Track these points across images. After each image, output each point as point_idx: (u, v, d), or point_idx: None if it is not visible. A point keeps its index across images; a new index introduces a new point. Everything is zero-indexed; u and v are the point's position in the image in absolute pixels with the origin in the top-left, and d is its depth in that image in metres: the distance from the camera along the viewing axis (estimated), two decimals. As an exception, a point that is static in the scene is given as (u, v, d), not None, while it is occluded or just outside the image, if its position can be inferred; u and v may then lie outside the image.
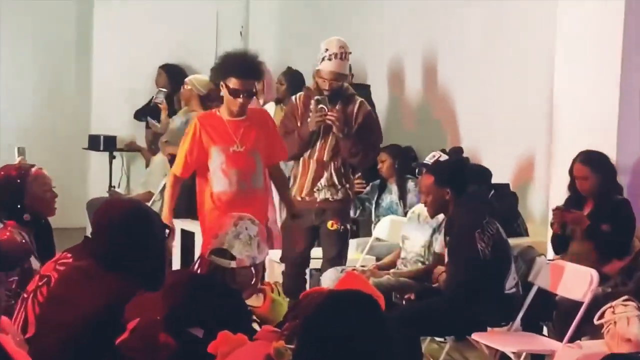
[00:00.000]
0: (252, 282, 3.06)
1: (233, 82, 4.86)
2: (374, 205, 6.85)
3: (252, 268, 3.04)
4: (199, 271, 3.14)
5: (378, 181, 6.90)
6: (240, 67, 4.88)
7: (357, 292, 2.26)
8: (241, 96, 4.85)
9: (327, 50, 5.65)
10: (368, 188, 6.92)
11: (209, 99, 8.23)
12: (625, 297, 4.34)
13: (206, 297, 2.94)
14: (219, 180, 4.93)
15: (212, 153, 4.92)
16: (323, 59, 5.65)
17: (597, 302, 4.50)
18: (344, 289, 2.47)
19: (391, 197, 6.79)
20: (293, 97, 5.98)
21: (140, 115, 8.99)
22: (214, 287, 2.99)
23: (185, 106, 8.09)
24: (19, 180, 4.07)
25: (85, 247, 3.35)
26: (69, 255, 3.41)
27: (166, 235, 3.46)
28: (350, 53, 5.74)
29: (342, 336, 2.08)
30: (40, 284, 3.36)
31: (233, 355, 2.62)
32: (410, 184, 6.66)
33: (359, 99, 5.81)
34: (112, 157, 9.11)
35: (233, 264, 3.00)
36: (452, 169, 5.31)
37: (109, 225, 3.25)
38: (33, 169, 4.21)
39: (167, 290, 2.99)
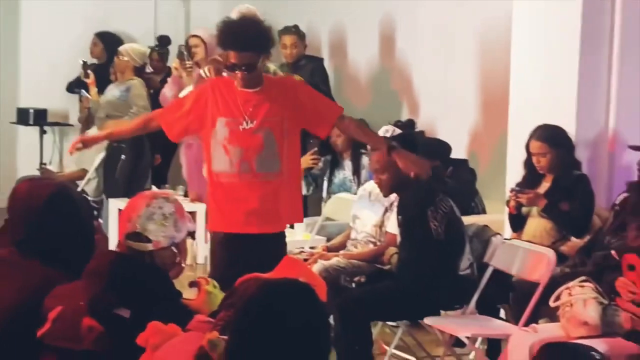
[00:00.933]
0: (176, 261, 3.04)
1: (231, 56, 4.59)
2: (326, 182, 6.87)
3: (173, 247, 3.02)
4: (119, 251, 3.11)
5: (330, 156, 6.91)
6: (235, 39, 4.57)
7: (294, 280, 2.26)
8: (239, 70, 4.53)
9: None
10: (320, 164, 6.92)
11: (144, 69, 8.24)
12: (583, 278, 4.40)
13: (130, 276, 2.92)
14: (220, 158, 4.62)
15: (217, 125, 4.59)
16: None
17: (555, 283, 4.56)
18: (280, 278, 2.47)
19: (344, 173, 6.81)
20: (201, 71, 6.07)
21: (73, 87, 8.92)
22: (138, 266, 2.97)
23: (119, 77, 8.06)
24: None
25: (3, 234, 3.32)
26: None
27: (94, 217, 3.44)
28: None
29: (278, 327, 2.08)
30: None
31: (164, 348, 2.60)
32: (365, 160, 6.63)
33: (278, 72, 6.11)
34: (42, 132, 9.06)
35: (150, 247, 2.97)
36: (410, 142, 5.34)
37: (27, 208, 3.20)
38: None
39: (89, 274, 2.96)
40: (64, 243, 3.16)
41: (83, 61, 8.43)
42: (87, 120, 8.72)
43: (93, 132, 8.39)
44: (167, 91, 7.78)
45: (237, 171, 4.58)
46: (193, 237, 7.16)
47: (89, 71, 8.27)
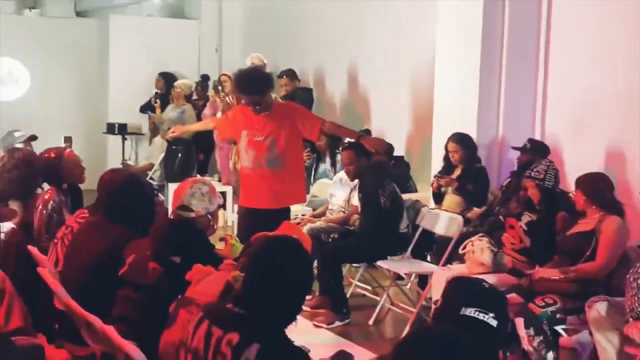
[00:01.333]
0: (211, 224, 3.02)
1: (242, 97, 4.65)
2: (313, 172, 6.85)
3: (208, 215, 3.00)
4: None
5: (315, 154, 6.87)
6: (244, 85, 4.56)
7: (287, 237, 2.26)
8: (251, 107, 4.54)
9: (252, 63, 5.91)
10: (309, 160, 6.92)
11: (192, 97, 8.23)
12: (481, 234, 4.43)
13: (180, 235, 2.90)
14: (243, 157, 4.66)
15: (242, 135, 4.61)
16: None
17: (462, 238, 4.59)
18: (279, 235, 2.47)
19: (325, 165, 6.77)
20: (227, 98, 6.05)
21: (144, 109, 8.88)
22: (185, 228, 2.95)
23: (175, 102, 8.04)
24: (56, 160, 4.00)
25: (96, 206, 3.32)
26: (85, 211, 3.38)
27: (155, 195, 3.43)
28: (266, 64, 5.96)
29: (275, 267, 2.08)
30: (66, 232, 3.32)
31: (203, 282, 2.58)
32: (339, 157, 6.63)
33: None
34: (124, 139, 9.00)
35: (192, 215, 2.95)
36: (364, 147, 5.30)
37: (109, 189, 3.21)
38: (66, 151, 4.14)
39: (153, 233, 2.94)
40: (134, 212, 3.15)
41: (155, 92, 8.42)
42: (153, 131, 8.70)
43: (158, 140, 8.42)
44: (207, 111, 7.74)
45: (252, 166, 4.61)
46: (224, 208, 7.14)
47: (157, 99, 8.28)
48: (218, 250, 3.07)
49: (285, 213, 4.65)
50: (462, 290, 2.05)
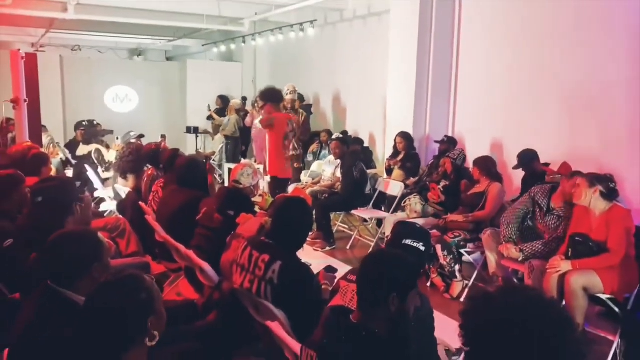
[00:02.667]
0: (253, 192, 3.01)
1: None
2: (318, 155, 6.75)
3: (252, 187, 2.99)
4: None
5: (320, 145, 6.72)
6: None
7: (297, 197, 2.29)
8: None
9: (288, 89, 5.56)
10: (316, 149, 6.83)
11: (240, 110, 8.17)
12: (415, 194, 4.44)
13: (235, 197, 2.90)
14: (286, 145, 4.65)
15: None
16: (286, 94, 5.61)
17: (403, 196, 4.59)
18: (292, 195, 2.49)
19: (325, 151, 6.72)
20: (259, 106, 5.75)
21: (209, 118, 8.79)
22: (238, 193, 2.95)
23: (229, 113, 8.00)
24: (155, 150, 4.00)
25: (172, 178, 3.30)
26: (162, 181, 3.39)
27: (207, 172, 3.42)
28: (297, 91, 5.59)
29: (288, 215, 2.11)
30: (154, 194, 3.34)
31: (247, 224, 2.62)
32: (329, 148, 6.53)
33: (301, 112, 5.72)
34: (196, 137, 8.90)
35: (241, 186, 2.95)
36: (347, 140, 5.30)
37: (180, 167, 3.20)
38: (162, 144, 4.13)
39: (217, 196, 2.95)
40: (197, 180, 3.14)
41: (216, 107, 8.29)
42: (215, 131, 8.65)
43: (218, 137, 8.36)
44: (248, 119, 7.68)
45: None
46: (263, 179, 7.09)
47: (214, 111, 8.18)
48: (257, 203, 3.07)
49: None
50: (403, 228, 2.09)
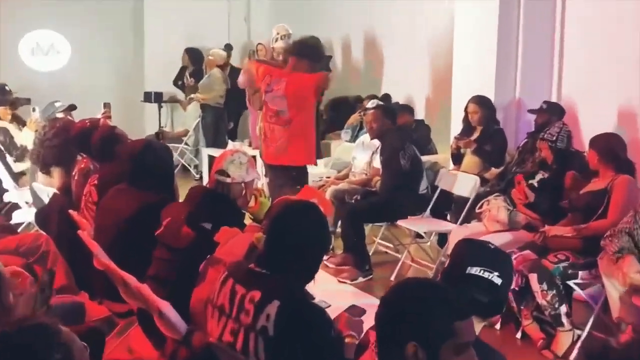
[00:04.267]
0: (243, 194, 3.01)
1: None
2: (355, 135, 6.81)
3: (243, 184, 2.99)
4: (208, 186, 3.11)
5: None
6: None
7: (302, 201, 2.28)
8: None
9: (277, 33, 5.56)
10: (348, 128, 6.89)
11: (225, 65, 8.27)
12: (497, 194, 4.40)
13: (212, 202, 2.92)
14: None
15: None
16: (275, 39, 5.60)
17: (479, 197, 4.56)
18: (296, 200, 2.48)
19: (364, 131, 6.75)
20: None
21: (176, 83, 8.92)
22: (218, 196, 2.97)
23: (208, 68, 8.11)
24: (91, 128, 4.02)
25: (109, 171, 3.36)
26: (96, 177, 3.45)
27: (172, 160, 3.45)
28: (291, 34, 5.53)
29: (291, 230, 2.11)
30: (86, 199, 3.42)
31: (230, 242, 2.61)
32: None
33: None
34: (160, 107, 9.03)
35: (228, 180, 2.95)
36: (392, 109, 5.30)
37: (130, 157, 3.24)
38: (102, 119, 4.17)
39: (187, 199, 2.97)
40: (156, 175, 3.19)
41: (182, 66, 8.38)
42: (189, 98, 8.78)
43: (192, 107, 8.48)
44: (241, 79, 7.70)
45: None
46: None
47: (192, 77, 8.38)
48: (249, 210, 3.08)
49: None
50: (468, 251, 2.07)
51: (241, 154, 3.03)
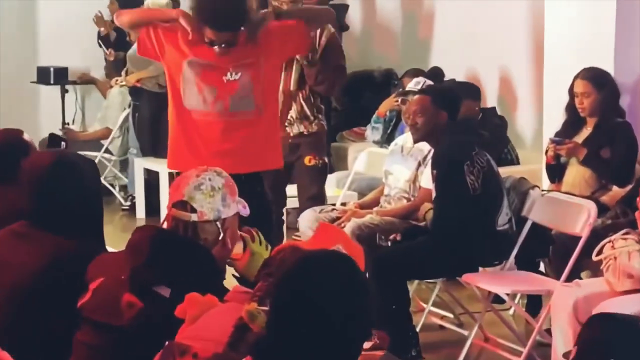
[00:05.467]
0: (220, 239, 3.02)
1: (208, 32, 4.51)
2: (389, 131, 6.86)
3: (217, 223, 3.01)
4: (164, 225, 3.12)
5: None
6: (215, 18, 4.47)
7: (334, 252, 2.27)
8: (216, 47, 4.49)
9: None
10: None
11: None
12: (626, 229, 4.38)
13: (171, 253, 2.92)
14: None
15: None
16: None
17: (596, 235, 4.54)
18: (319, 249, 2.46)
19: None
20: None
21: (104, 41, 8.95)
22: (180, 243, 2.97)
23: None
24: None
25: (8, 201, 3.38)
26: None
27: (100, 184, 3.46)
28: None
29: (318, 301, 2.08)
30: None
31: (202, 319, 2.61)
32: None
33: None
34: (64, 91, 9.04)
35: (194, 217, 2.96)
36: (451, 92, 5.30)
37: (30, 181, 3.25)
38: None
39: (131, 247, 2.98)
40: (71, 211, 3.20)
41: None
42: (110, 77, 8.78)
43: (116, 91, 8.50)
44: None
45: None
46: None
47: (109, 48, 8.56)
48: (233, 260, 3.13)
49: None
50: (608, 333, 2.08)
51: (213, 174, 3.06)
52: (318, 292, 2.10)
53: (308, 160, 5.64)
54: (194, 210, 2.96)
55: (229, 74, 4.53)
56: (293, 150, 5.63)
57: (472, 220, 4.86)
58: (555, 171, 5.36)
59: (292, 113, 5.62)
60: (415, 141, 5.23)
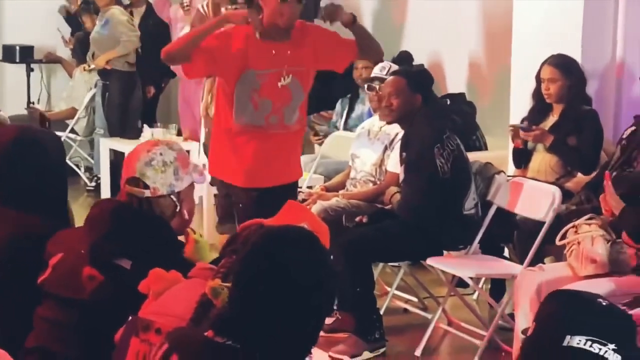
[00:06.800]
0: (178, 211, 3.03)
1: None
2: (343, 120, 6.83)
3: (172, 196, 3.01)
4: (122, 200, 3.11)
5: (349, 95, 6.92)
6: None
7: (298, 228, 2.28)
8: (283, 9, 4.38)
9: None
10: (338, 106, 6.98)
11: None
12: (589, 215, 4.42)
13: (131, 226, 2.93)
14: (243, 108, 4.60)
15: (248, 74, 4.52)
16: None
17: (560, 221, 4.58)
18: (284, 225, 2.47)
19: (363, 107, 6.77)
20: (200, 6, 5.89)
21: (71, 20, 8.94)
22: (139, 215, 2.97)
23: (103, 11, 8.09)
24: None
25: None
26: None
27: (64, 160, 3.44)
28: None
29: (282, 278, 2.09)
30: None
31: (166, 295, 2.62)
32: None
33: None
34: (29, 70, 8.99)
35: (147, 193, 2.96)
36: (426, 76, 5.32)
37: None
38: None
39: (91, 221, 2.98)
40: (33, 187, 3.18)
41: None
42: (78, 57, 8.75)
43: (78, 75, 8.46)
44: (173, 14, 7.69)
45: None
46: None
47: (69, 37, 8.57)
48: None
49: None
50: (566, 310, 2.08)
51: (164, 148, 3.05)
52: (282, 266, 2.10)
53: None
54: (147, 187, 2.96)
55: (282, 78, 4.48)
56: None
57: (440, 203, 4.89)
58: (522, 157, 5.38)
59: None
60: (389, 122, 5.24)
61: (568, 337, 1.98)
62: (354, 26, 4.59)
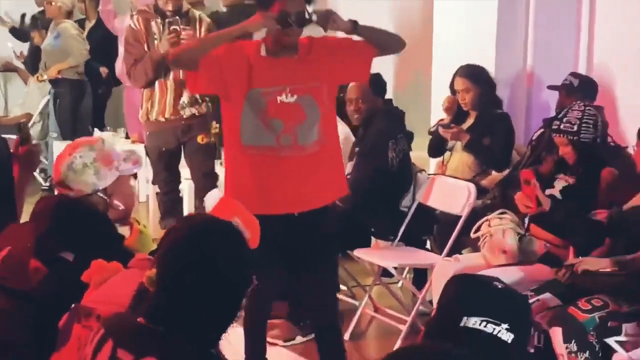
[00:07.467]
0: (110, 205, 3.04)
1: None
2: None
3: (100, 193, 3.01)
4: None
5: None
6: None
7: (226, 224, 2.26)
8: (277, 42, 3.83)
9: None
10: None
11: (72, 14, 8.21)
12: (501, 210, 4.48)
13: (73, 220, 2.91)
14: (253, 128, 3.93)
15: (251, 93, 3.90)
16: None
17: (476, 215, 4.64)
18: (204, 218, 2.46)
19: None
20: (130, 22, 5.84)
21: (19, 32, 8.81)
22: (80, 210, 2.96)
23: (55, 23, 8.04)
24: None
25: None
26: None
27: (11, 160, 3.40)
28: None
29: (197, 265, 2.09)
30: None
31: (107, 284, 2.61)
32: None
33: (204, 18, 5.70)
34: (-15, 78, 8.88)
35: (72, 194, 2.97)
36: (382, 80, 5.36)
37: None
38: None
39: (35, 217, 2.96)
40: None
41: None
42: (32, 66, 8.65)
43: (32, 84, 8.36)
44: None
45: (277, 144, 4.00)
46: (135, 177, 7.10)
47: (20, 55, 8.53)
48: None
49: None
50: (463, 292, 2.07)
51: (84, 149, 3.03)
52: (198, 257, 2.10)
53: (201, 139, 5.62)
54: (69, 188, 2.97)
55: (285, 95, 3.87)
56: (186, 131, 5.62)
57: (383, 192, 4.94)
58: (437, 148, 5.44)
59: (184, 98, 5.54)
60: (359, 123, 5.26)
61: (465, 318, 1.98)
62: (356, 32, 3.98)
